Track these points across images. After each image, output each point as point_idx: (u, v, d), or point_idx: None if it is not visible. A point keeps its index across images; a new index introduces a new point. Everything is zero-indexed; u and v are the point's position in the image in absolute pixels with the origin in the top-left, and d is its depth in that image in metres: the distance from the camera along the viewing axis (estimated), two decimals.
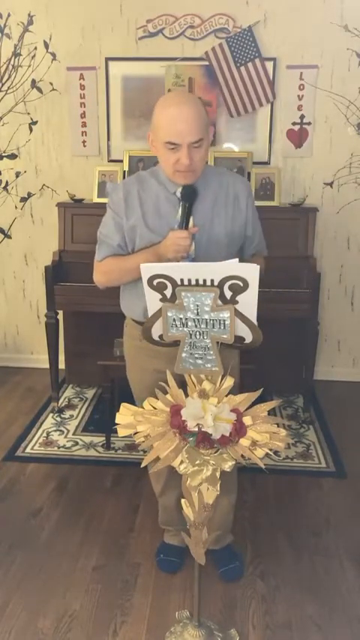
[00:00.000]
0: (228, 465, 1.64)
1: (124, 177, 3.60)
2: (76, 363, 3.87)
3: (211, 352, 1.62)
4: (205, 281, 1.56)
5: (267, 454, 1.66)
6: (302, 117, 3.63)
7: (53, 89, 3.64)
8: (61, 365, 3.77)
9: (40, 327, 3.83)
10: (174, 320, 1.60)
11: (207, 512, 1.72)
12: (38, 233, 3.94)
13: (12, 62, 3.52)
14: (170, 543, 2.36)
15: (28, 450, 3.15)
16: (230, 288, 1.55)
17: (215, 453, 1.64)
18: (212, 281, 1.55)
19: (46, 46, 3.51)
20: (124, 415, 1.72)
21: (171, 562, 2.30)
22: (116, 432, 1.74)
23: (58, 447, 3.18)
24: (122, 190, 1.95)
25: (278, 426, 1.67)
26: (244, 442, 1.63)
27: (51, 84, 3.63)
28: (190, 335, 1.61)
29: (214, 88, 3.59)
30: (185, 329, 1.61)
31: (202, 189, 1.89)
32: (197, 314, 1.58)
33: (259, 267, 1.52)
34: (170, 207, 1.89)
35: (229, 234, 1.93)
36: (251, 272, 1.53)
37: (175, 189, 1.88)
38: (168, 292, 1.59)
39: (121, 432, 1.72)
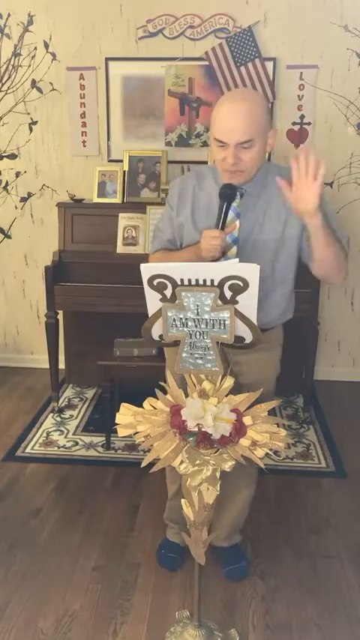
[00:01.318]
0: (228, 465, 1.64)
1: (124, 177, 3.61)
2: (76, 363, 3.87)
3: (211, 352, 1.62)
4: (205, 281, 1.56)
5: (267, 454, 1.66)
6: (302, 117, 3.63)
7: (53, 89, 3.64)
8: (61, 365, 3.76)
9: (40, 327, 3.83)
10: (174, 320, 1.60)
11: (207, 512, 1.72)
12: (38, 233, 3.94)
13: (12, 62, 3.52)
14: (172, 541, 2.37)
15: (28, 450, 3.15)
16: (230, 288, 1.55)
17: (215, 453, 1.64)
18: (212, 281, 1.55)
19: (46, 46, 3.52)
20: (124, 415, 1.72)
21: (172, 558, 2.30)
22: (116, 432, 1.74)
23: (58, 447, 3.18)
24: (178, 186, 1.96)
25: (278, 426, 1.67)
26: (244, 442, 1.63)
27: (51, 84, 3.63)
28: (190, 335, 1.61)
29: (214, 88, 3.59)
30: (185, 329, 1.61)
31: (256, 190, 1.86)
32: (197, 314, 1.58)
33: (258, 267, 1.52)
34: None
35: (278, 239, 1.87)
36: (251, 272, 1.53)
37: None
38: (168, 292, 1.59)
39: (121, 432, 1.72)
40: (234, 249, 1.85)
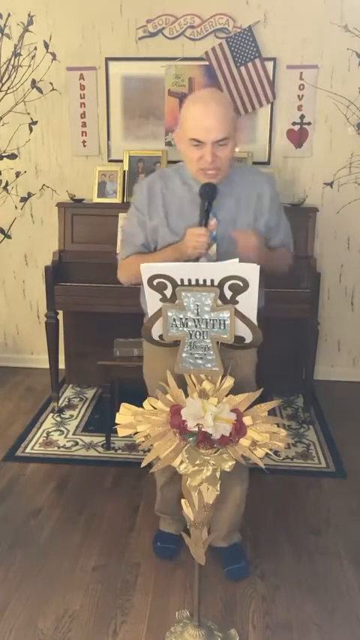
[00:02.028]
0: (228, 465, 1.64)
1: (124, 177, 3.61)
2: (76, 363, 3.87)
3: (211, 352, 1.62)
4: (205, 281, 1.56)
5: (267, 454, 1.66)
6: (302, 117, 3.63)
7: (53, 89, 3.64)
8: (61, 365, 3.76)
9: (40, 327, 3.83)
10: (174, 320, 1.60)
11: (207, 512, 1.72)
12: (38, 233, 3.94)
13: (12, 62, 3.52)
14: (166, 531, 2.39)
15: (28, 450, 3.15)
16: (230, 288, 1.55)
17: (215, 453, 1.64)
18: (212, 281, 1.56)
19: (46, 46, 3.51)
20: (124, 415, 1.72)
21: (168, 549, 2.33)
22: (116, 432, 1.74)
23: (58, 447, 3.18)
24: (146, 189, 1.95)
25: (278, 426, 1.67)
26: (244, 442, 1.63)
27: (51, 84, 3.63)
28: (190, 335, 1.61)
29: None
30: (185, 329, 1.61)
31: (226, 188, 1.88)
32: (197, 314, 1.58)
33: (258, 267, 1.53)
34: (194, 209, 1.86)
35: None
36: (251, 272, 1.53)
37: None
38: (168, 292, 1.60)
39: (121, 432, 1.72)
40: (214, 247, 1.86)
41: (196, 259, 1.79)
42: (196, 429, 1.60)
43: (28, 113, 3.69)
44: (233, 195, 1.91)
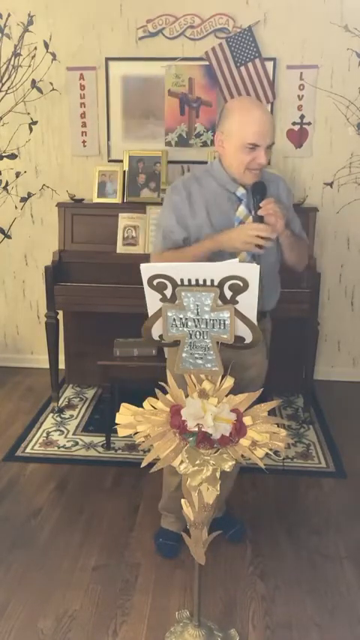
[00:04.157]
0: (228, 465, 1.64)
1: (124, 177, 3.61)
2: (76, 363, 3.87)
3: (211, 352, 1.62)
4: (205, 281, 1.56)
5: (267, 454, 1.66)
6: (302, 117, 3.63)
7: (53, 89, 3.64)
8: (61, 365, 3.76)
9: (40, 327, 3.83)
10: (174, 320, 1.60)
11: (207, 512, 1.72)
12: (38, 233, 3.94)
13: (12, 62, 3.53)
14: (168, 529, 2.40)
15: (28, 450, 3.15)
16: (230, 288, 1.55)
17: (215, 453, 1.64)
18: (212, 281, 1.55)
19: (46, 46, 3.52)
20: (124, 415, 1.72)
21: (171, 546, 2.34)
22: (116, 432, 1.74)
23: (58, 447, 3.18)
24: (184, 189, 2.03)
25: (278, 426, 1.67)
26: (244, 442, 1.63)
27: (51, 84, 3.63)
28: (190, 335, 1.61)
29: (214, 88, 3.59)
30: (185, 329, 1.61)
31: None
32: (197, 314, 1.58)
33: (258, 267, 1.53)
34: (230, 206, 2.00)
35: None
36: (251, 272, 1.53)
37: (236, 189, 1.99)
38: (168, 292, 1.59)
39: (121, 432, 1.72)
40: (242, 254, 1.97)
41: (238, 254, 1.91)
42: (196, 429, 1.60)
43: (28, 113, 3.69)
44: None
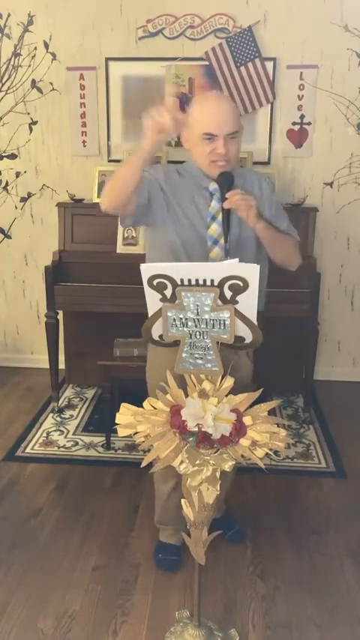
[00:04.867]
0: (228, 465, 1.64)
1: None
2: (76, 363, 3.87)
3: (211, 352, 1.62)
4: (205, 281, 1.56)
5: (267, 454, 1.66)
6: (302, 117, 3.63)
7: (53, 89, 3.64)
8: (61, 365, 3.76)
9: (40, 327, 3.83)
10: (174, 320, 1.60)
11: (207, 512, 1.72)
12: (38, 233, 3.94)
13: (12, 62, 3.53)
14: (167, 542, 2.36)
15: (28, 450, 3.15)
16: (230, 288, 1.55)
17: (215, 453, 1.64)
18: (212, 281, 1.55)
19: (46, 46, 3.52)
20: (124, 415, 1.72)
21: (171, 561, 2.30)
22: (116, 432, 1.74)
23: (58, 447, 3.18)
24: (162, 170, 2.06)
25: (278, 426, 1.67)
26: (244, 442, 1.63)
27: (51, 84, 3.63)
28: (190, 335, 1.61)
29: (214, 88, 3.58)
30: (185, 329, 1.61)
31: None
32: (197, 314, 1.58)
33: (258, 267, 1.53)
34: (202, 202, 1.98)
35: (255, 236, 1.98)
36: (251, 272, 1.53)
37: (208, 184, 1.97)
38: (168, 292, 1.59)
39: (121, 432, 1.72)
40: (215, 250, 1.93)
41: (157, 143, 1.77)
42: (196, 429, 1.60)
43: (28, 113, 3.69)
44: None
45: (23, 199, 3.82)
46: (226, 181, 1.90)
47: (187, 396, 1.68)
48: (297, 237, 2.14)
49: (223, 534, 2.27)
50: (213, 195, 1.97)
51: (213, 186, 1.97)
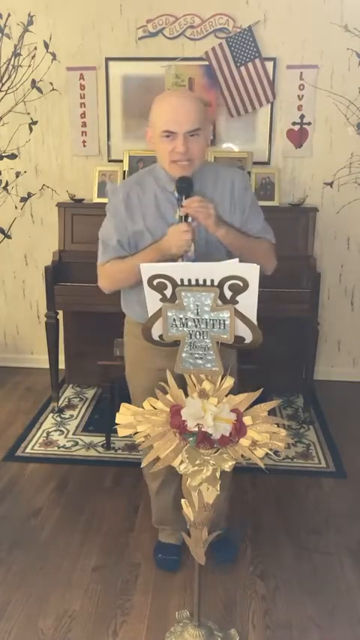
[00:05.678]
0: (228, 465, 1.64)
1: (124, 177, 3.60)
2: (76, 363, 3.87)
3: (211, 352, 1.62)
4: (205, 281, 1.56)
5: (267, 454, 1.66)
6: (302, 117, 3.63)
7: (53, 89, 3.64)
8: (61, 365, 3.77)
9: (40, 327, 3.83)
10: (174, 320, 1.60)
11: (207, 512, 1.72)
12: (38, 233, 3.94)
13: (12, 62, 3.53)
14: (167, 542, 2.37)
15: (28, 450, 3.15)
16: (230, 288, 1.55)
17: (215, 453, 1.64)
18: (212, 281, 1.55)
19: (46, 46, 3.52)
20: (124, 415, 1.72)
21: (171, 561, 2.30)
22: (116, 432, 1.74)
23: (58, 447, 3.18)
24: (121, 193, 1.94)
25: (278, 426, 1.67)
26: (244, 442, 1.63)
27: (51, 84, 3.63)
28: (190, 335, 1.61)
29: (214, 88, 3.59)
30: (185, 329, 1.60)
31: (199, 187, 1.87)
32: (197, 314, 1.58)
33: (258, 267, 1.52)
34: (169, 207, 1.89)
35: None
36: (251, 272, 1.53)
37: (173, 188, 1.87)
38: (168, 292, 1.59)
39: (121, 432, 1.72)
40: (192, 247, 1.83)
41: (178, 258, 1.78)
42: (196, 429, 1.60)
43: (28, 113, 3.69)
44: (206, 194, 1.88)
45: (23, 199, 3.82)
46: (184, 187, 1.81)
47: (187, 396, 1.68)
48: (272, 240, 2.04)
49: (213, 556, 2.19)
50: (179, 200, 1.86)
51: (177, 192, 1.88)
